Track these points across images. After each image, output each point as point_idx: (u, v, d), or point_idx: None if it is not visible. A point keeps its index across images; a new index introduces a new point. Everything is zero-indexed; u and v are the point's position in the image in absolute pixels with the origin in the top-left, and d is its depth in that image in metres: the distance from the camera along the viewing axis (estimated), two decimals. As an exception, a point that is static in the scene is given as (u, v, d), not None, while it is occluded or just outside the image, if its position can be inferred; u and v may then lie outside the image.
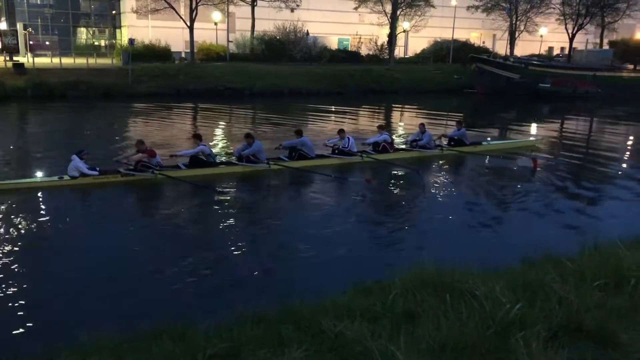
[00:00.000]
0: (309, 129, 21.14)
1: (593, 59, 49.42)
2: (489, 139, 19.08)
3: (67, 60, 38.06)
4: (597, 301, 4.03)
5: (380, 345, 3.35)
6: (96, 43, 52.38)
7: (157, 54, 39.55)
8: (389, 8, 45.70)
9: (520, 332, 3.48)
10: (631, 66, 49.12)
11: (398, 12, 45.98)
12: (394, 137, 17.51)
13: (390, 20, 46.00)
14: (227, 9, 43.19)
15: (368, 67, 42.42)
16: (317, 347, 3.54)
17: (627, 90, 41.86)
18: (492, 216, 11.07)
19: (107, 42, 51.94)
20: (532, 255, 5.83)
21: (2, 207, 10.28)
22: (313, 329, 3.79)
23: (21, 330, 5.94)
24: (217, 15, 42.00)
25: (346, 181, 13.09)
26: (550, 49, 58.67)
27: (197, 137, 13.68)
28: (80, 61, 37.50)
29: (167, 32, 42.79)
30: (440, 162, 15.73)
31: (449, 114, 29.33)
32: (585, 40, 56.88)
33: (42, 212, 10.42)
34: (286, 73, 37.67)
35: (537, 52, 55.24)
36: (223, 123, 24.58)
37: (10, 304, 6.48)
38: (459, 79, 42.34)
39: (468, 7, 50.63)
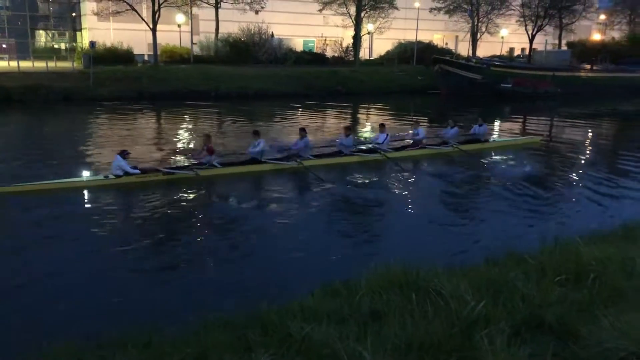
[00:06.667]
0: (276, 130, 21.09)
1: (552, 60, 50.68)
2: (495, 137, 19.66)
3: (26, 64, 37.00)
4: (558, 296, 4.12)
5: (347, 346, 3.36)
6: (56, 46, 51.23)
7: (119, 56, 38.87)
8: (353, 10, 45.93)
9: (484, 329, 3.54)
10: (588, 66, 50.54)
11: (362, 14, 46.25)
12: (359, 137, 17.67)
13: (354, 22, 46.25)
14: (191, 11, 42.76)
15: (334, 69, 42.58)
16: (284, 351, 3.53)
17: (585, 89, 43.12)
18: (459, 215, 11.26)
19: (67, 45, 50.83)
20: (495, 253, 5.93)
21: (57, 205, 10.86)
22: (280, 333, 3.77)
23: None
24: (180, 18, 41.50)
25: (317, 182, 13.12)
26: (511, 49, 59.91)
27: (256, 134, 14.27)
28: (40, 65, 36.49)
29: (129, 35, 42.05)
30: (413, 162, 15.95)
31: (410, 115, 29.64)
32: (545, 41, 58.26)
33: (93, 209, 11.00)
34: (251, 75, 37.48)
35: (498, 53, 56.34)
36: (188, 125, 24.32)
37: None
38: (422, 80, 42.84)
39: (431, 9, 51.27)
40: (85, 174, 12.34)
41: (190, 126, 24.37)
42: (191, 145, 17.99)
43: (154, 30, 37.60)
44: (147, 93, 32.79)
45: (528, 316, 3.83)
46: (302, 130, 14.94)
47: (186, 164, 13.54)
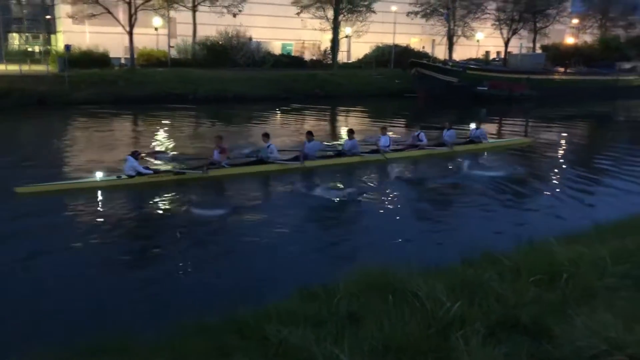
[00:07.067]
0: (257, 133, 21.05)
1: (527, 63, 51.41)
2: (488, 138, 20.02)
3: (-2, 67, 36.37)
4: (533, 296, 4.18)
5: (324, 349, 3.37)
6: (30, 49, 50.38)
7: (95, 60, 38.25)
8: (330, 14, 46.07)
9: (460, 329, 3.57)
10: (562, 69, 51.44)
11: (340, 18, 46.41)
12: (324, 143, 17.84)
13: (332, 25, 46.39)
14: (168, 14, 42.42)
15: (312, 72, 42.62)
16: (262, 355, 3.52)
17: (559, 92, 43.85)
18: (438, 217, 11.40)
19: (41, 48, 50.00)
20: (471, 254, 5.99)
21: (73, 204, 11.31)
22: (257, 337, 3.76)
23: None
24: (157, 21, 41.15)
25: (294, 185, 13.15)
26: (487, 53, 60.55)
27: (266, 136, 14.67)
28: (13, 68, 35.83)
29: (105, 38, 41.57)
30: (394, 164, 16.12)
31: (390, 118, 29.82)
32: (520, 44, 59.17)
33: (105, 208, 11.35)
34: (229, 78, 37.31)
35: (474, 56, 57.00)
36: (166, 129, 24.11)
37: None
38: (400, 84, 43.12)
39: (408, 13, 51.63)
40: (99, 174, 12.70)
41: (168, 130, 24.15)
42: (169, 148, 17.87)
43: (130, 34, 37.22)
44: (124, 97, 32.35)
45: (503, 316, 3.88)
46: (309, 134, 15.57)
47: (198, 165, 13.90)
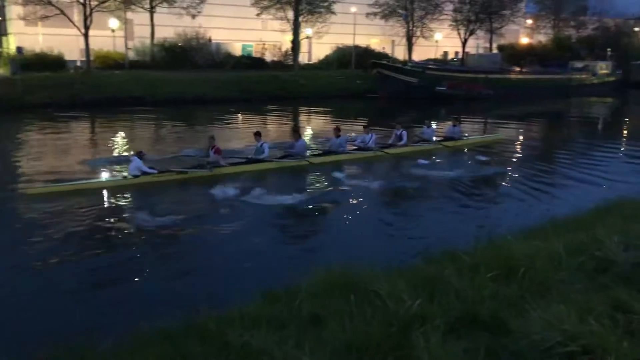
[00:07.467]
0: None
1: (484, 63, 52.50)
2: (466, 134, 20.87)
3: (-55, 71, 35.00)
4: (491, 292, 4.26)
5: (286, 352, 3.35)
6: (-21, 52, 48.56)
7: (49, 62, 37.13)
8: (291, 14, 46.02)
9: (421, 327, 3.61)
10: (518, 68, 52.73)
11: (300, 19, 46.42)
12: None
13: (293, 26, 46.36)
14: (125, 15, 41.57)
15: (274, 73, 42.49)
16: (223, 360, 3.49)
17: (515, 90, 44.95)
18: (403, 216, 11.61)
19: (-9, 51, 48.30)
20: (433, 252, 6.08)
21: (82, 204, 11.45)
22: (218, 342, 3.71)
23: None
24: (113, 22, 40.25)
25: (259, 186, 13.12)
26: (445, 53, 61.64)
27: (258, 135, 15.14)
28: (-39, 71, 34.62)
29: (59, 40, 40.35)
30: (360, 163, 16.36)
31: (353, 118, 29.99)
32: (477, 44, 60.39)
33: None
34: (189, 80, 36.82)
35: (433, 57, 57.86)
36: (124, 132, 23.66)
37: None
38: (362, 84, 43.41)
39: (367, 14, 52.04)
40: (105, 175, 13.32)
41: (127, 132, 23.71)
42: (124, 151, 17.54)
43: (86, 36, 36.30)
44: (80, 100, 31.55)
45: (462, 312, 3.93)
46: (296, 133, 16.44)
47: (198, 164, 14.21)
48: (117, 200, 12.20)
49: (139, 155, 13.29)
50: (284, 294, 4.82)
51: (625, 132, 30.43)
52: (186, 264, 8.60)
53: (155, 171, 13.27)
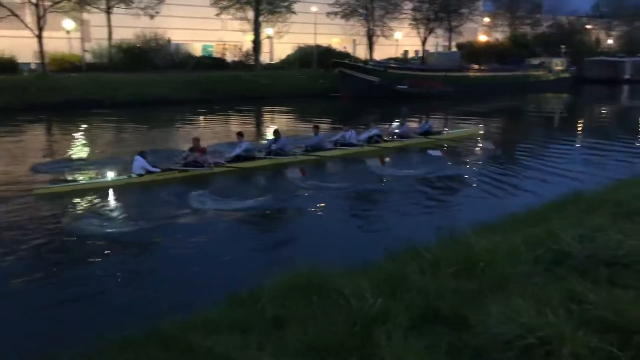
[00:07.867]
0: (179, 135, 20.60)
1: (444, 61, 53.28)
2: (446, 129, 21.61)
3: None
4: (451, 287, 4.32)
5: (249, 355, 3.33)
6: None
7: (1, 65, 36.03)
8: (251, 14, 45.75)
9: (383, 325, 3.64)
10: (476, 66, 53.72)
11: (260, 19, 46.20)
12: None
13: (253, 26, 46.11)
14: (80, 16, 40.54)
15: (235, 73, 42.16)
16: (186, 366, 3.44)
17: (474, 88, 45.79)
18: (362, 216, 11.64)
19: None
20: (395, 250, 6.13)
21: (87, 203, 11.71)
22: (182, 348, 3.67)
23: None
24: (68, 23, 39.14)
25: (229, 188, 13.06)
26: (406, 52, 62.31)
27: (240, 135, 15.64)
28: None
29: (11, 42, 38.92)
30: (331, 163, 16.45)
31: (316, 117, 30.03)
32: (436, 43, 61.24)
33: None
34: (148, 81, 36.14)
35: (394, 56, 58.42)
36: (82, 135, 23.12)
37: None
38: (324, 84, 43.47)
39: (328, 14, 52.20)
40: (110, 174, 13.55)
41: (85, 136, 23.18)
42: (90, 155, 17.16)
43: (39, 37, 35.26)
44: (36, 104, 30.48)
45: (424, 309, 3.98)
46: (276, 132, 16.53)
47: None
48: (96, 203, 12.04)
49: (142, 154, 13.56)
50: (248, 297, 4.79)
51: (579, 126, 31.41)
52: (151, 271, 8.46)
53: (158, 170, 13.59)
